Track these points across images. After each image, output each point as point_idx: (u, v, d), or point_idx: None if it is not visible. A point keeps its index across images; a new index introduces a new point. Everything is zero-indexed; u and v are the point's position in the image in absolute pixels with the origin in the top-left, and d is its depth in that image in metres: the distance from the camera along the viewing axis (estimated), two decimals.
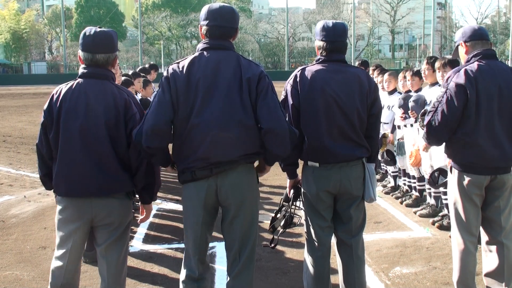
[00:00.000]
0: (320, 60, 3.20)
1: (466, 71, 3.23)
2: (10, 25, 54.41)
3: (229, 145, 2.78)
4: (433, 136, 3.35)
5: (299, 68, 3.25)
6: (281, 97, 3.22)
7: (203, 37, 2.91)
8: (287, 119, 3.10)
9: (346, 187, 3.16)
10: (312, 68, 3.18)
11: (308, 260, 3.30)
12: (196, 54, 2.89)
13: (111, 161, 2.83)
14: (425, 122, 3.39)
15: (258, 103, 2.78)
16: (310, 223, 3.27)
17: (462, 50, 3.42)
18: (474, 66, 3.25)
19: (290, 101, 3.15)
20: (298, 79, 3.15)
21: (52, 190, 3.04)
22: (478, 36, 3.36)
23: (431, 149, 5.24)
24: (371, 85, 3.23)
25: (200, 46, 2.90)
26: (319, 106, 3.10)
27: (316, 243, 3.25)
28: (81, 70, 2.92)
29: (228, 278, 3.01)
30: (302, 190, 3.28)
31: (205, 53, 2.86)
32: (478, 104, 3.19)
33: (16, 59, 57.07)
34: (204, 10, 2.93)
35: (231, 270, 2.99)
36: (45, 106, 2.88)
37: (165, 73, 2.87)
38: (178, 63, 2.88)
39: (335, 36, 3.17)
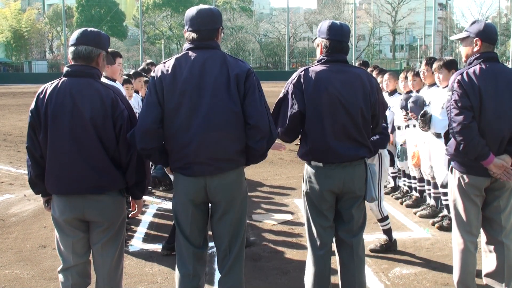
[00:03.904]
0: (323, 60, 3.20)
1: (467, 73, 3.22)
2: (11, 24, 54.41)
3: (221, 143, 2.82)
4: (466, 139, 3.18)
5: (302, 68, 3.24)
6: (280, 95, 3.23)
7: (187, 41, 2.96)
8: (282, 117, 3.15)
9: (349, 187, 3.18)
10: (315, 69, 3.18)
11: (310, 260, 3.31)
12: (182, 53, 2.93)
13: (102, 159, 2.84)
14: (449, 138, 3.36)
15: (246, 100, 2.83)
16: (312, 223, 3.28)
17: (472, 45, 3.33)
18: (476, 68, 3.24)
19: (291, 102, 3.15)
20: (302, 80, 3.14)
21: (40, 195, 3.08)
22: (493, 41, 3.33)
23: (430, 149, 5.25)
24: (373, 85, 3.24)
25: (186, 46, 2.95)
26: (324, 106, 3.11)
27: (318, 243, 3.26)
28: (65, 68, 2.91)
29: (220, 275, 3.05)
30: (305, 189, 3.29)
31: (190, 52, 2.90)
32: (479, 107, 3.19)
33: (17, 57, 57.00)
34: (185, 15, 2.99)
35: (222, 267, 3.03)
36: (32, 107, 2.87)
37: (152, 73, 2.92)
38: (165, 63, 2.93)
39: (343, 36, 3.19)
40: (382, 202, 4.45)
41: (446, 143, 3.46)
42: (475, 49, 3.32)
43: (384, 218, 4.50)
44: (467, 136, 3.16)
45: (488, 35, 3.30)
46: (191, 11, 2.95)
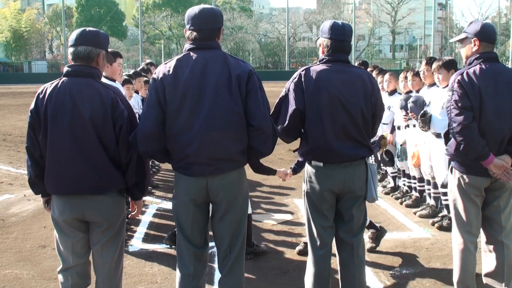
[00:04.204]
0: (324, 60, 3.21)
1: (467, 74, 3.23)
2: (11, 24, 54.40)
3: (222, 144, 2.82)
4: (466, 139, 3.16)
5: (303, 68, 3.26)
6: (281, 94, 3.24)
7: (188, 41, 2.96)
8: (283, 116, 3.15)
9: (349, 187, 3.18)
10: (316, 68, 3.19)
11: (310, 260, 3.31)
12: (183, 54, 2.93)
13: (102, 159, 2.83)
14: (449, 138, 3.34)
15: (248, 101, 2.83)
16: (312, 223, 3.28)
17: (471, 46, 3.34)
18: (476, 68, 3.24)
19: (292, 100, 3.16)
20: (303, 79, 3.16)
21: (40, 195, 3.06)
22: (492, 40, 3.32)
23: (430, 149, 5.25)
24: (374, 85, 3.24)
25: (187, 46, 2.94)
26: (324, 106, 3.12)
27: (318, 243, 3.26)
28: (65, 68, 2.91)
29: (220, 276, 3.05)
30: (306, 189, 3.29)
31: (191, 53, 2.90)
32: (479, 107, 3.19)
33: (16, 58, 56.96)
34: (186, 14, 2.98)
35: (222, 267, 3.03)
36: (31, 107, 2.86)
37: (154, 75, 2.92)
38: (166, 63, 2.93)
39: (344, 36, 3.20)
40: None
41: (446, 143, 3.46)
42: (474, 49, 3.32)
43: None
44: (467, 136, 3.16)
45: (486, 34, 3.30)
46: (193, 10, 2.95)
